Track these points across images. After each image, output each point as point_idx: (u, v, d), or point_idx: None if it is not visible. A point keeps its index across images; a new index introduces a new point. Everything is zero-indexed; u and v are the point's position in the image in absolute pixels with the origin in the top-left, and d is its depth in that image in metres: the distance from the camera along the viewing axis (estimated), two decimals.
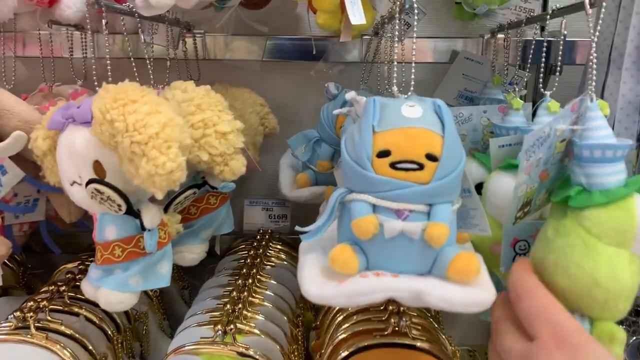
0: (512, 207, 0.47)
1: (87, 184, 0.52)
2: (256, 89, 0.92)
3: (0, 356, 0.61)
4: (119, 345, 0.72)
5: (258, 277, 0.80)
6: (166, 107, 0.50)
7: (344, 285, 0.41)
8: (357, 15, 0.60)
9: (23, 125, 0.62)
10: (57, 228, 0.83)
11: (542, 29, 0.85)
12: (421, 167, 0.41)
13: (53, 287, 0.71)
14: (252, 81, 0.93)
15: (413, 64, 0.47)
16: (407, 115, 0.43)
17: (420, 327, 0.66)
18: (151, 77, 0.64)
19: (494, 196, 0.57)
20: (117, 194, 0.52)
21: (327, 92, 0.82)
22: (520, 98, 0.67)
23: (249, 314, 0.69)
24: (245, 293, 0.72)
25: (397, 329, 0.62)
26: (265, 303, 0.74)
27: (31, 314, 0.64)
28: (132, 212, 0.54)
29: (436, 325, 0.70)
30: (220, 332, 0.62)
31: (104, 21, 0.56)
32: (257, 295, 0.75)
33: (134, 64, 0.61)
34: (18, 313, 0.64)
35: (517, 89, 0.68)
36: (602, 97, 0.66)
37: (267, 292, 0.77)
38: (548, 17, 0.62)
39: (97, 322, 0.71)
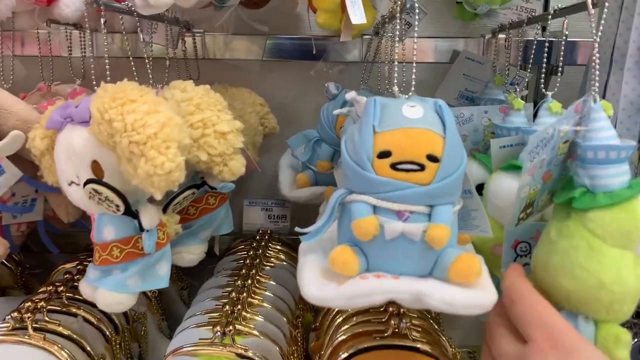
0: (515, 208, 0.47)
1: (85, 184, 0.52)
2: (256, 89, 0.92)
3: None
4: (117, 346, 0.72)
5: (257, 278, 0.79)
6: (165, 106, 0.49)
7: (344, 286, 0.41)
8: (357, 15, 0.60)
9: (21, 124, 0.62)
10: (55, 228, 0.83)
11: (544, 29, 0.85)
12: (422, 168, 0.41)
13: (51, 287, 0.70)
14: (251, 81, 0.93)
15: (414, 64, 0.47)
16: (408, 116, 0.42)
17: (420, 329, 0.66)
18: (150, 76, 0.63)
19: (495, 197, 0.57)
20: (115, 194, 0.51)
21: (327, 92, 0.82)
22: (522, 98, 0.67)
23: (248, 315, 0.69)
24: (245, 294, 0.72)
25: (397, 330, 0.62)
26: (265, 304, 0.74)
27: (29, 314, 0.63)
28: (131, 212, 0.54)
29: (436, 327, 0.70)
30: (219, 333, 0.62)
31: (102, 20, 0.55)
32: (256, 296, 0.75)
33: (132, 63, 0.61)
34: (15, 314, 0.63)
35: (518, 90, 0.68)
36: (604, 97, 0.65)
37: (267, 293, 0.77)
38: (550, 17, 0.62)
39: (95, 322, 0.70)
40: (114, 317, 0.74)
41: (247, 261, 0.83)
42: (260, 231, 0.96)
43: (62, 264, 0.83)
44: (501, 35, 0.82)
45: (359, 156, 0.42)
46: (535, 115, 0.63)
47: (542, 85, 0.63)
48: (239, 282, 0.75)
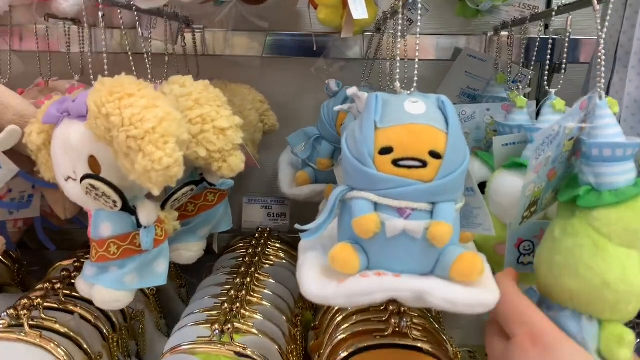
0: (520, 206, 0.46)
1: (82, 179, 0.51)
2: (256, 86, 0.91)
3: None
4: (115, 344, 0.71)
5: (256, 276, 0.79)
6: (163, 101, 0.49)
7: (345, 284, 0.40)
8: (359, 10, 0.59)
9: (18, 119, 0.61)
10: (53, 225, 0.82)
11: (546, 26, 0.84)
12: (424, 164, 0.40)
13: (48, 284, 0.69)
14: (251, 78, 0.93)
15: (416, 61, 0.46)
16: (410, 112, 0.42)
17: (421, 328, 0.65)
18: (149, 72, 0.63)
19: (498, 195, 0.56)
20: (112, 189, 0.51)
21: (327, 89, 0.82)
22: (524, 96, 0.66)
23: (247, 313, 0.68)
24: (244, 292, 0.71)
25: (397, 329, 0.61)
26: (264, 302, 0.73)
27: (25, 311, 0.62)
28: (128, 208, 0.53)
29: (437, 326, 0.69)
30: (217, 331, 0.61)
31: (100, 13, 0.55)
32: (255, 295, 0.74)
33: (131, 59, 0.60)
34: (11, 311, 0.63)
35: (520, 87, 0.67)
36: (607, 95, 0.65)
37: (266, 291, 0.76)
38: (553, 13, 0.61)
39: (93, 320, 0.70)
40: (112, 314, 0.73)
41: (246, 259, 0.83)
42: (260, 229, 0.95)
43: (59, 260, 0.83)
44: (503, 33, 0.81)
45: (360, 152, 0.41)
46: (538, 113, 0.63)
47: (546, 83, 0.62)
48: (237, 280, 0.75)
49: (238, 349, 0.61)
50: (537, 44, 0.69)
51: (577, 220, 0.43)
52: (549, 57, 0.62)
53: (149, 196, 0.55)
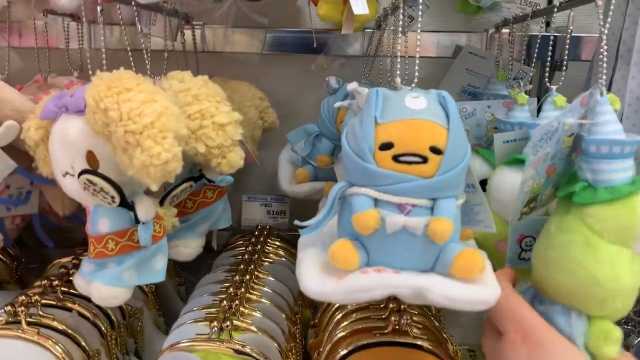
0: (518, 202, 0.46)
1: (80, 174, 0.51)
2: (255, 83, 0.91)
3: None
4: (113, 341, 0.71)
5: (256, 273, 0.79)
6: (162, 96, 0.48)
7: (344, 281, 0.40)
8: (359, 5, 0.59)
9: (15, 114, 0.61)
10: (52, 222, 0.82)
11: (548, 24, 0.84)
12: (425, 160, 0.40)
13: (46, 281, 0.69)
14: (251, 74, 0.92)
15: (417, 59, 0.46)
16: (410, 107, 0.42)
17: (421, 326, 0.65)
18: (148, 69, 0.62)
19: (498, 191, 0.56)
20: (110, 185, 0.51)
21: (327, 86, 0.81)
22: (525, 93, 0.66)
23: (246, 311, 0.68)
24: (243, 289, 0.71)
25: (397, 327, 0.61)
26: (263, 300, 0.73)
27: (22, 308, 0.62)
28: (126, 204, 0.53)
29: (437, 324, 0.69)
30: (216, 328, 0.61)
31: (99, 8, 0.54)
32: (254, 292, 0.74)
33: (131, 55, 0.60)
34: (9, 307, 0.62)
35: (522, 84, 0.67)
36: (609, 92, 0.64)
37: (265, 289, 0.76)
38: (555, 9, 0.61)
39: (91, 317, 0.70)
40: (110, 312, 0.73)
41: (246, 257, 0.82)
42: (259, 227, 0.95)
43: (58, 258, 0.82)
44: (505, 30, 0.81)
45: (360, 148, 0.41)
46: (539, 110, 0.62)
47: (547, 79, 0.62)
48: (237, 277, 0.74)
49: (237, 347, 0.61)
50: (539, 41, 0.68)
51: (572, 217, 0.43)
52: (550, 54, 0.62)
53: (148, 192, 0.55)
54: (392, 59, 0.73)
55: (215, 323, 0.61)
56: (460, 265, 0.40)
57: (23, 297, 0.64)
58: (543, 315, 0.44)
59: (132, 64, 0.59)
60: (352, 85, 0.47)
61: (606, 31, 0.45)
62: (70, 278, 0.69)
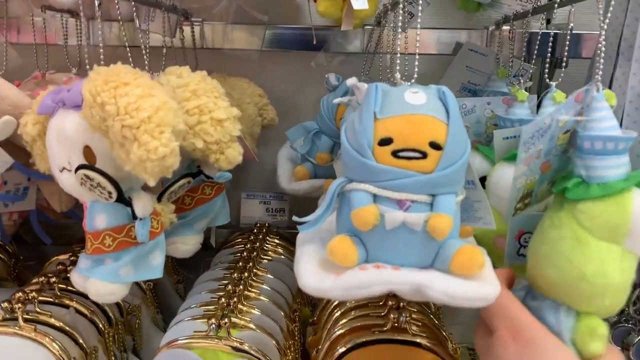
0: (511, 198, 0.46)
1: (77, 169, 0.50)
2: (255, 80, 0.91)
3: None
4: (111, 338, 0.71)
5: (254, 271, 0.78)
6: (160, 90, 0.48)
7: (343, 277, 0.40)
8: (359, 1, 0.59)
9: (12, 109, 0.60)
10: (49, 219, 0.82)
11: (548, 21, 0.84)
12: (424, 155, 0.40)
13: (43, 278, 0.69)
14: (250, 71, 0.92)
15: (417, 56, 0.45)
16: (410, 102, 0.41)
17: (420, 324, 0.65)
18: (147, 66, 0.62)
19: (497, 188, 0.56)
20: (107, 180, 0.50)
21: (327, 83, 0.81)
22: (525, 90, 0.65)
23: (244, 308, 0.68)
24: (241, 287, 0.71)
25: (396, 325, 0.61)
26: (262, 297, 0.73)
27: (19, 305, 0.62)
28: (124, 199, 0.52)
29: (436, 322, 0.68)
30: (214, 326, 0.61)
31: (96, 2, 0.54)
32: (253, 289, 0.74)
33: (129, 52, 0.60)
34: (6, 304, 0.62)
35: (522, 81, 0.67)
36: (610, 89, 0.64)
37: (264, 287, 0.76)
38: (556, 6, 0.61)
39: (88, 314, 0.69)
40: (108, 309, 0.73)
41: (245, 254, 0.82)
42: (258, 224, 0.95)
43: (55, 255, 0.82)
44: (505, 27, 0.81)
45: (359, 143, 0.41)
46: (538, 106, 0.62)
47: (547, 76, 0.61)
48: (235, 275, 0.74)
49: (235, 344, 0.60)
50: (539, 38, 0.68)
51: (564, 213, 0.42)
52: (550, 51, 0.61)
53: (146, 188, 0.55)
54: (391, 56, 0.72)
55: (213, 320, 0.61)
56: (459, 261, 0.40)
57: (20, 294, 0.64)
58: (534, 310, 0.44)
59: (131, 60, 0.59)
60: (351, 81, 0.47)
61: (606, 27, 0.44)
62: (68, 275, 0.69)
